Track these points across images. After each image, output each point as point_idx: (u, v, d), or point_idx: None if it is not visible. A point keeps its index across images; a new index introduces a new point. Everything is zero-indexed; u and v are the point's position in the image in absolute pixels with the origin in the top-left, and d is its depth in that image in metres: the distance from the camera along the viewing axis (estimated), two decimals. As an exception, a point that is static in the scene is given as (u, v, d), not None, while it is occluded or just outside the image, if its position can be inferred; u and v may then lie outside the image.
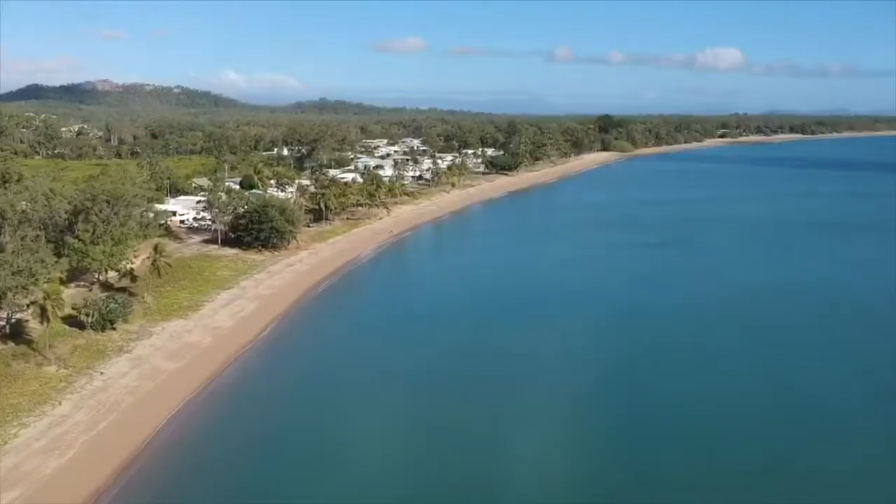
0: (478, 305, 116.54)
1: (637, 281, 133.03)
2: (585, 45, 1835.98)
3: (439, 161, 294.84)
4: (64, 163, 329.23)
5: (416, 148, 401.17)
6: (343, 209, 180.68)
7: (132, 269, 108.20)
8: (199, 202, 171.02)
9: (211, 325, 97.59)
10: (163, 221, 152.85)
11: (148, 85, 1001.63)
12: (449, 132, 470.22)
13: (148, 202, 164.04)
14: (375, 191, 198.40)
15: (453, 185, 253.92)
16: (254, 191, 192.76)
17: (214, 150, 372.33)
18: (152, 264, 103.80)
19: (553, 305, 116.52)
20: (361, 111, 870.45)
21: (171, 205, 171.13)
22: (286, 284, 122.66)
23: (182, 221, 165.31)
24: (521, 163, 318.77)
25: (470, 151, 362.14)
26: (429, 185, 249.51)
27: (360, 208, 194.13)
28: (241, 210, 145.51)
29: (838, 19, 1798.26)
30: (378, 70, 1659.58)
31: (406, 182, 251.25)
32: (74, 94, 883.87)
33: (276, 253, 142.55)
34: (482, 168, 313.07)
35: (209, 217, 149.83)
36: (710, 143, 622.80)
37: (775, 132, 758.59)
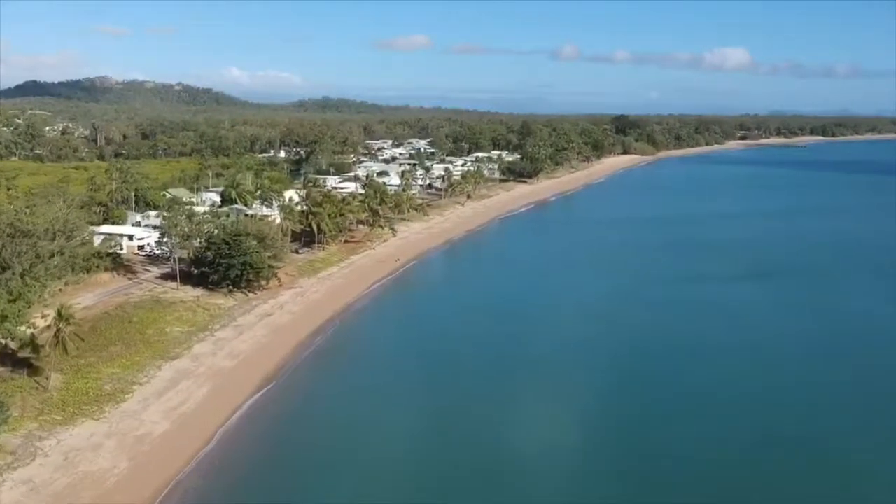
0: (524, 383, 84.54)
1: (762, 346, 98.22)
2: (591, 44, 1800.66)
3: (451, 167, 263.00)
4: (35, 165, 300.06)
5: (423, 150, 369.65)
6: (340, 231, 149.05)
7: (33, 335, 76.42)
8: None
9: (133, 433, 65.73)
10: (112, 250, 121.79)
11: (148, 82, 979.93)
12: (458, 133, 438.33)
13: (95, 225, 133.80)
14: (379, 206, 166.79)
15: (469, 196, 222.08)
16: (235, 206, 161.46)
17: (204, 153, 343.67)
18: (54, 336, 71.93)
19: (642, 393, 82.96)
20: (365, 109, 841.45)
21: (128, 226, 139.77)
22: (256, 348, 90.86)
23: (141, 248, 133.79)
24: (541, 169, 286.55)
25: (483, 154, 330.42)
26: (440, 196, 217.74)
27: (361, 226, 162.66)
28: (204, 239, 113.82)
29: (844, 20, 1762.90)
30: (382, 68, 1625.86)
31: (414, 192, 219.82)
32: (73, 90, 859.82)
33: (250, 295, 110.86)
34: (497, 174, 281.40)
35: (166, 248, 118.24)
36: (731, 144, 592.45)
37: (795, 134, 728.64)
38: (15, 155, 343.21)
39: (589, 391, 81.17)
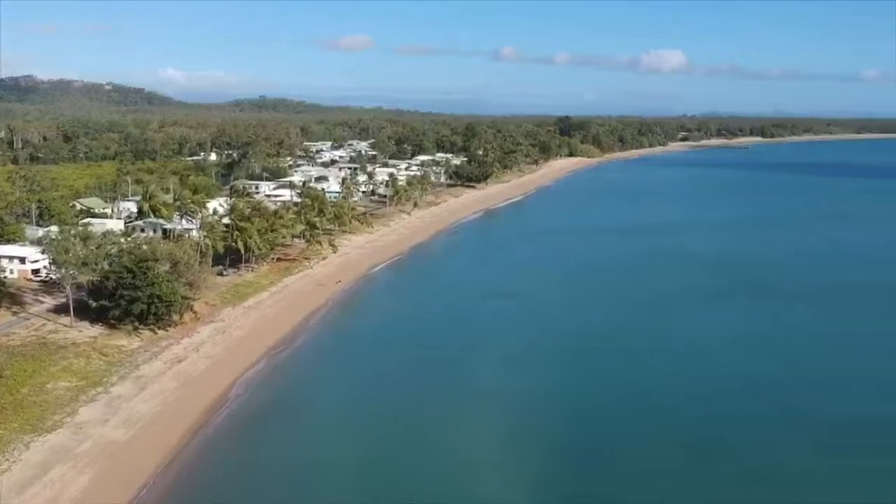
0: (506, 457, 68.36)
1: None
2: (532, 46, 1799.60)
3: (395, 171, 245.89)
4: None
5: (364, 153, 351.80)
6: (272, 248, 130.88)
7: None
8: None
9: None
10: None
11: (77, 81, 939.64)
12: (401, 134, 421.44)
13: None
14: (318, 218, 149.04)
15: (415, 203, 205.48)
16: (151, 220, 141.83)
17: (127, 157, 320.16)
18: None
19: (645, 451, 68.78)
20: (303, 110, 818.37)
21: (18, 246, 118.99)
22: (161, 410, 72.57)
23: (36, 272, 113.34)
24: (490, 173, 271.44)
25: (428, 158, 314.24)
26: (384, 204, 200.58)
27: (297, 240, 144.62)
28: (104, 265, 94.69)
29: (778, 23, 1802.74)
30: (323, 68, 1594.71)
31: (357, 199, 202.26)
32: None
33: (159, 333, 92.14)
34: (444, 179, 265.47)
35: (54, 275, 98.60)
36: (673, 146, 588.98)
37: (735, 135, 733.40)
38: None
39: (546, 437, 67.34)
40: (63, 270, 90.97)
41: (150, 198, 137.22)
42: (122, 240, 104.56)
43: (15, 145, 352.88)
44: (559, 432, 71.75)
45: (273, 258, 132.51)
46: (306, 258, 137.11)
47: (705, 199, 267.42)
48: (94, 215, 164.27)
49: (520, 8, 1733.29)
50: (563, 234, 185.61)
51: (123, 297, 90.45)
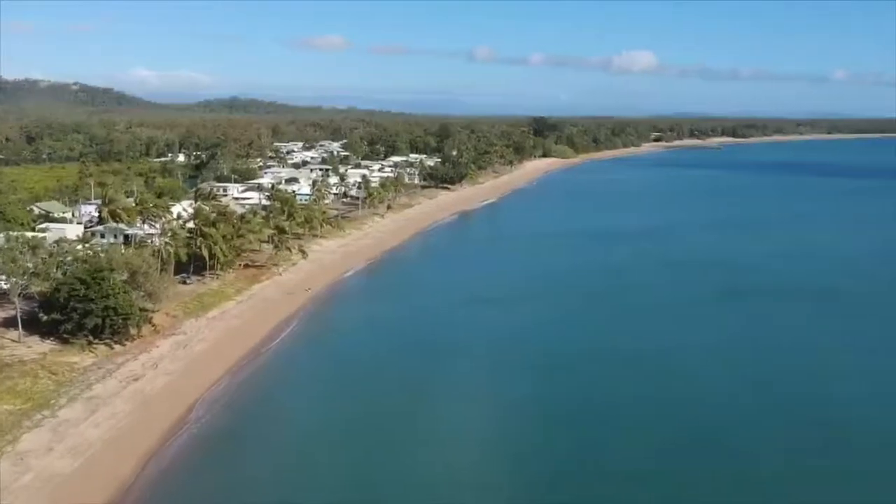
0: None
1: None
2: (506, 46, 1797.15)
3: (368, 173, 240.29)
4: None
5: (336, 154, 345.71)
6: (238, 254, 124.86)
7: None
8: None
9: None
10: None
11: (42, 81, 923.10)
12: (373, 135, 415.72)
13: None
14: (287, 221, 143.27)
15: (389, 206, 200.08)
16: (112, 225, 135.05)
17: (91, 158, 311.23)
18: None
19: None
20: (275, 110, 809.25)
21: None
22: (113, 436, 66.50)
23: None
24: (465, 174, 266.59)
25: (401, 159, 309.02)
26: (357, 207, 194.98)
27: (265, 244, 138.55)
28: (58, 275, 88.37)
29: (750, 25, 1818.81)
30: (296, 67, 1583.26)
31: (328, 201, 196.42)
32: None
33: (115, 348, 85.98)
34: (418, 180, 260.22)
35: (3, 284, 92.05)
36: (646, 147, 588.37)
37: (707, 135, 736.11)
38: None
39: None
40: (12, 281, 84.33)
41: (109, 202, 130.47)
42: (78, 247, 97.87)
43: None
44: (542, 448, 67.14)
45: (240, 265, 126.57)
46: (275, 265, 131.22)
47: (682, 200, 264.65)
48: (53, 220, 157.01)
49: (494, 8, 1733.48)
50: (541, 237, 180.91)
51: (76, 309, 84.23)
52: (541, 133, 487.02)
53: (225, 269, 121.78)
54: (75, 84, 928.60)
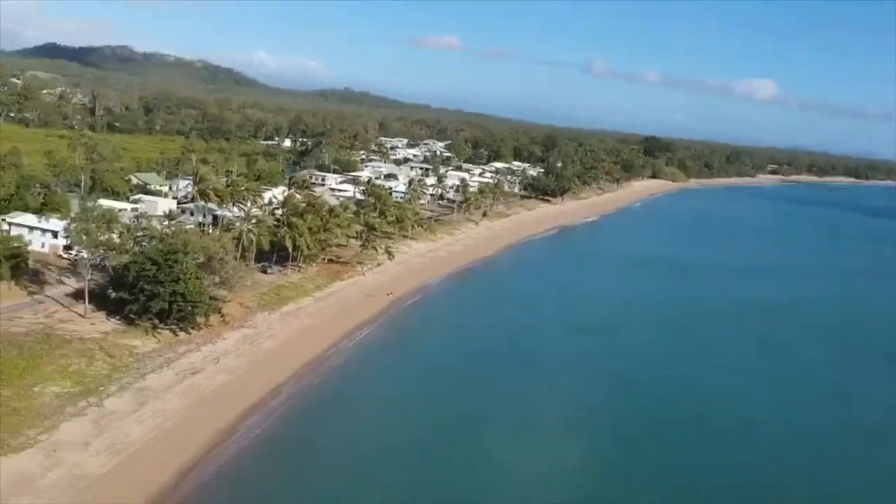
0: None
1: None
2: (622, 61, 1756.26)
3: (468, 177, 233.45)
4: (13, 129, 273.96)
5: (438, 153, 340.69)
6: (323, 249, 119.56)
7: None
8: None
9: None
10: (15, 250, 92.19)
11: (169, 56, 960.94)
12: (478, 139, 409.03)
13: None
14: (378, 219, 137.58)
15: (485, 213, 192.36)
16: (203, 204, 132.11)
17: (202, 134, 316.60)
18: None
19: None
20: (385, 105, 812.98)
21: (53, 220, 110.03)
22: (156, 437, 61.10)
23: (69, 249, 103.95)
24: (568, 188, 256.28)
25: (503, 165, 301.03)
26: (452, 210, 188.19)
27: (353, 240, 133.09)
28: (135, 249, 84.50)
29: (880, 62, 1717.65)
30: (409, 65, 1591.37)
31: (423, 202, 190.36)
32: (91, 56, 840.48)
33: (180, 336, 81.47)
34: (518, 189, 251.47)
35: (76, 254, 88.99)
36: (762, 178, 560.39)
37: (827, 173, 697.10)
38: (0, 116, 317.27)
39: None
40: (81, 254, 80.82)
41: (200, 181, 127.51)
42: (158, 225, 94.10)
43: (96, 112, 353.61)
44: None
45: (324, 259, 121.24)
46: (360, 263, 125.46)
47: (801, 240, 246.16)
48: (149, 192, 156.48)
49: (614, 23, 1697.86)
50: (645, 264, 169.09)
51: (143, 291, 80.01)
52: (651, 153, 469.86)
53: (308, 263, 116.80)
54: (199, 62, 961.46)
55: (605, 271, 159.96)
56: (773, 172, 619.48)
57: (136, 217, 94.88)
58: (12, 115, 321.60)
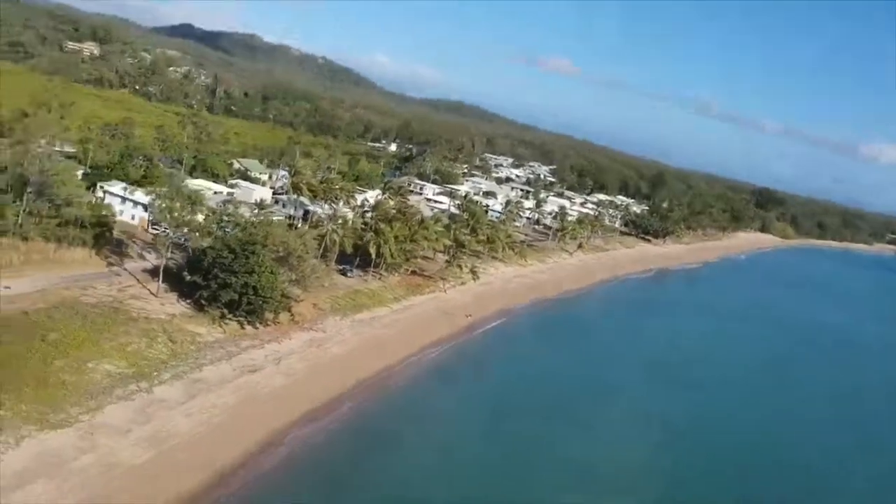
0: None
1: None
2: (742, 106, 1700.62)
3: (568, 204, 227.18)
4: (130, 100, 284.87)
5: (542, 177, 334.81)
6: (407, 259, 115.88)
7: None
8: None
9: None
10: (103, 219, 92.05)
11: (294, 49, 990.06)
12: (584, 167, 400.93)
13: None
14: (469, 236, 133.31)
15: (581, 245, 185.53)
16: (295, 198, 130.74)
17: (312, 128, 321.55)
18: None
19: None
20: (494, 121, 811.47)
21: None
22: (199, 434, 57.94)
23: (156, 224, 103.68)
24: (672, 231, 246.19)
25: (606, 198, 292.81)
26: (548, 237, 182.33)
27: (439, 254, 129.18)
28: (207, 238, 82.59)
29: None
30: (521, 84, 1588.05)
31: (518, 225, 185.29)
32: (221, 41, 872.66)
33: (247, 329, 78.91)
34: (618, 223, 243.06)
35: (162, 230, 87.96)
36: (879, 247, 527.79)
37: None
38: (126, 87, 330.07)
39: None
40: (163, 231, 79.43)
41: (295, 174, 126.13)
42: (247, 212, 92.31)
43: (217, 94, 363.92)
44: None
45: (407, 270, 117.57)
46: (443, 279, 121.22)
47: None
48: (248, 178, 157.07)
49: (736, 68, 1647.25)
50: (749, 319, 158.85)
51: (216, 278, 77.82)
52: (763, 205, 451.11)
53: (390, 271, 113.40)
54: (322, 58, 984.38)
55: (703, 321, 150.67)
56: (893, 242, 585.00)
57: (225, 202, 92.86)
58: (137, 87, 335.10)
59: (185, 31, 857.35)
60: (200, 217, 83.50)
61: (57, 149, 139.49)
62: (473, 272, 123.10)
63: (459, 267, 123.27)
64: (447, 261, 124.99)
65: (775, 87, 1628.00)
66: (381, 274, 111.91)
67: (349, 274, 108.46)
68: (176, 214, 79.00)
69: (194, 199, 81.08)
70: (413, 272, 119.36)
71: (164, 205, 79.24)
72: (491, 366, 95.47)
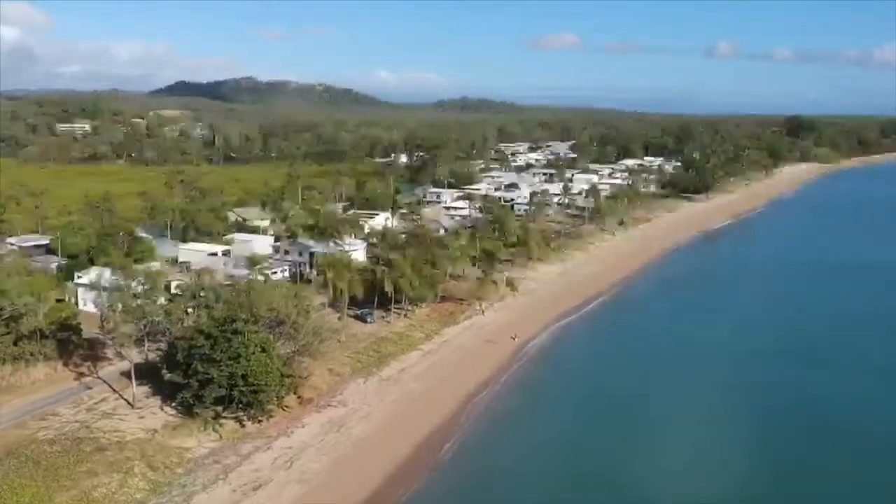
0: None
1: None
2: (748, 42, 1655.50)
3: (597, 179, 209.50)
4: (132, 170, 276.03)
5: (562, 155, 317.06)
6: (432, 286, 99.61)
7: None
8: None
9: None
10: (68, 323, 77.36)
11: (292, 82, 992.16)
12: (604, 136, 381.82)
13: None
14: (496, 241, 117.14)
15: (621, 221, 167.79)
16: (299, 242, 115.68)
17: (318, 157, 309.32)
18: None
19: None
20: (504, 110, 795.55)
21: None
22: None
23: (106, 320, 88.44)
24: (712, 183, 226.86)
25: (634, 163, 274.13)
26: (583, 220, 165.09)
27: (468, 269, 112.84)
28: (182, 322, 67.54)
29: None
30: (527, 67, 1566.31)
31: (550, 213, 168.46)
32: (219, 90, 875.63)
33: (247, 427, 63.63)
34: (653, 187, 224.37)
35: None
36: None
37: None
38: (121, 158, 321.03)
39: None
40: (118, 331, 64.44)
41: (285, 217, 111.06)
42: (222, 281, 77.19)
43: (216, 143, 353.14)
44: None
45: (435, 297, 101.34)
46: (478, 298, 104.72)
47: None
48: (246, 228, 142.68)
49: (736, 3, 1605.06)
50: (826, 271, 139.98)
51: (196, 374, 62.72)
52: (795, 134, 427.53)
53: (415, 305, 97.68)
54: (320, 85, 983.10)
55: (775, 283, 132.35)
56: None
57: (199, 273, 77.78)
58: (133, 155, 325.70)
59: (182, 88, 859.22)
60: (162, 300, 68.40)
61: (31, 243, 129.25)
62: (510, 284, 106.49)
63: (494, 283, 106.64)
64: (479, 277, 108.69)
65: (778, 13, 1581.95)
66: (405, 310, 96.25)
67: (369, 319, 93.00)
68: (131, 306, 63.88)
69: (151, 284, 65.96)
70: (443, 297, 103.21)
71: (116, 299, 64.20)
72: (552, 403, 78.10)
